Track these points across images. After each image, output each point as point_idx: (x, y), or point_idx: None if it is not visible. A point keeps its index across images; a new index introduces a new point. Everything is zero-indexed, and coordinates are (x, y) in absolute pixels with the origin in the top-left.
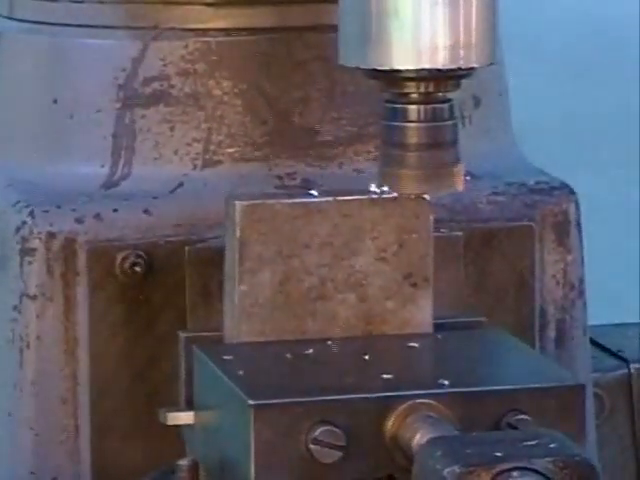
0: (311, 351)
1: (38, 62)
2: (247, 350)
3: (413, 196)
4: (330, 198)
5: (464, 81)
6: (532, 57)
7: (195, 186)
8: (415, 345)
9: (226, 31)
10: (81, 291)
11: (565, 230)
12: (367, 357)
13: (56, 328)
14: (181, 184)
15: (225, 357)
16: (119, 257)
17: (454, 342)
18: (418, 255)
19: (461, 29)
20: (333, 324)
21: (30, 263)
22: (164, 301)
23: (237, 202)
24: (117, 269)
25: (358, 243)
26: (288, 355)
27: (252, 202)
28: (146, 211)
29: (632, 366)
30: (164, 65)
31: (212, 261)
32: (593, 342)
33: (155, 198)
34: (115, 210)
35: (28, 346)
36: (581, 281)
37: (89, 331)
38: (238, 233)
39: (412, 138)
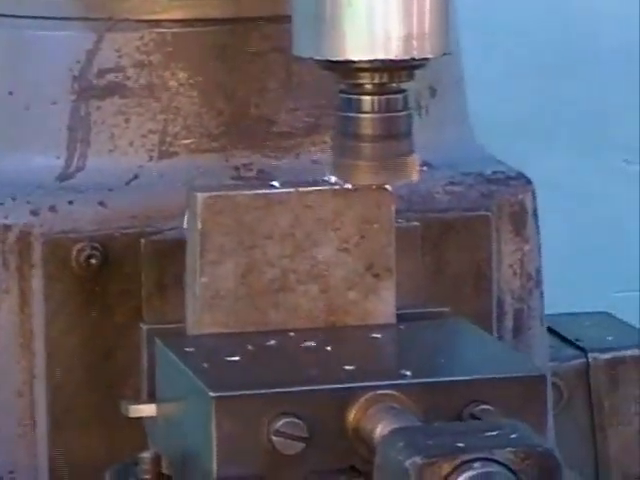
0: (273, 343)
1: None
2: (209, 342)
3: (374, 187)
4: (291, 189)
5: (420, 71)
6: (494, 46)
7: (151, 178)
8: (378, 336)
9: (181, 22)
10: (37, 284)
11: (522, 220)
12: (329, 348)
13: (11, 321)
14: (137, 176)
15: (187, 349)
16: (75, 249)
17: (417, 333)
18: (380, 245)
19: (414, 20)
20: (295, 316)
21: None
22: (120, 293)
23: (198, 194)
24: (73, 261)
25: (320, 234)
26: (250, 347)
27: (213, 194)
28: (101, 203)
29: (590, 355)
30: (119, 57)
31: (168, 253)
32: (552, 331)
33: (111, 190)
34: (70, 202)
35: None
36: (538, 271)
37: (45, 324)
38: (199, 225)
39: (366, 129)
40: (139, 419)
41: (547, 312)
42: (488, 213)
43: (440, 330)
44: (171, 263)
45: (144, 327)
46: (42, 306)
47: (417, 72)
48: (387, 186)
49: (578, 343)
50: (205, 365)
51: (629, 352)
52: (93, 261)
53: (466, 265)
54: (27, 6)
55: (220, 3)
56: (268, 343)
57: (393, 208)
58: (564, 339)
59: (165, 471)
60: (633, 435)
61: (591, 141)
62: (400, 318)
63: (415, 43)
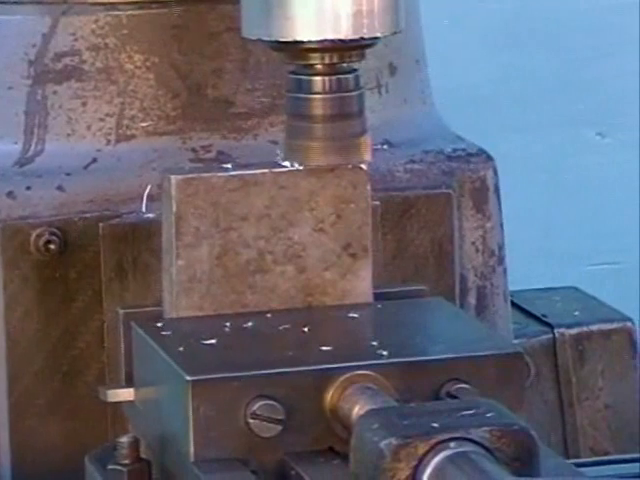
0: (250, 324)
1: None
2: (186, 325)
3: (350, 166)
4: (266, 170)
5: (380, 49)
6: (463, 18)
7: (109, 161)
8: (355, 316)
9: (137, 4)
10: None
11: (483, 197)
12: (307, 329)
13: None
14: (95, 160)
15: (163, 333)
16: (33, 235)
17: (394, 312)
18: (356, 225)
19: None
20: (272, 297)
21: None
22: (80, 278)
23: (172, 176)
24: (32, 247)
25: (295, 214)
26: (227, 329)
27: (188, 176)
28: (60, 187)
29: (557, 331)
30: (75, 40)
31: (127, 237)
32: (519, 307)
33: (69, 174)
34: (28, 188)
35: None
36: (500, 247)
37: (4, 310)
38: (174, 208)
39: (318, 110)
40: (100, 406)
41: (521, 286)
42: (449, 190)
43: (417, 309)
44: (130, 247)
45: (121, 311)
46: (0, 292)
47: (376, 50)
48: (363, 165)
49: (545, 319)
50: (181, 349)
51: (595, 327)
52: (52, 246)
53: (428, 243)
54: None
55: None
56: (245, 325)
57: (369, 187)
58: (531, 315)
59: (144, 455)
60: (600, 410)
61: (564, 114)
62: (377, 297)
63: (365, 22)
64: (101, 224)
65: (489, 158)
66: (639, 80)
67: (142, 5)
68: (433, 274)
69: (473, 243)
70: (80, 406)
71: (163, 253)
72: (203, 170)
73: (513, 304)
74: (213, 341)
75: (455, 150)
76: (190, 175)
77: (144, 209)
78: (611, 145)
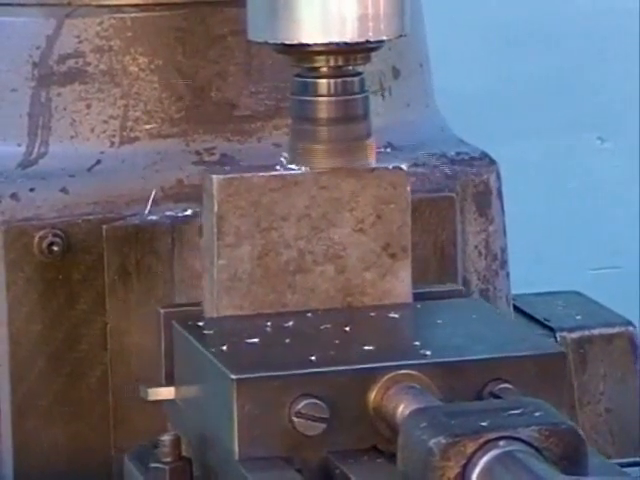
0: (291, 324)
1: None
2: (227, 324)
3: (391, 167)
4: (307, 170)
5: (383, 53)
6: (465, 24)
7: (112, 163)
8: (395, 316)
9: (141, 7)
10: None
11: (486, 200)
12: (348, 329)
13: None
14: (98, 161)
15: (206, 332)
16: (36, 236)
17: (434, 312)
18: (396, 226)
19: (369, 2)
20: (312, 297)
21: None
22: (83, 280)
23: (214, 176)
24: (35, 249)
25: (336, 215)
26: (268, 328)
27: (229, 176)
28: (63, 189)
29: (558, 335)
30: (79, 42)
31: (130, 239)
32: (521, 311)
33: (72, 176)
34: (32, 189)
35: None
36: (503, 251)
37: (8, 311)
38: (216, 208)
39: (323, 112)
40: (102, 407)
41: (522, 290)
42: (452, 194)
43: (457, 309)
44: (134, 250)
45: (161, 310)
46: (4, 294)
47: (380, 53)
48: (403, 166)
49: (547, 323)
50: (224, 347)
51: (597, 331)
52: (55, 248)
53: (431, 246)
54: None
55: None
56: (286, 324)
57: (408, 188)
58: (533, 319)
59: (185, 453)
60: (601, 414)
61: (565, 119)
62: (415, 297)
63: (370, 25)
64: (104, 226)
65: (492, 162)
66: (639, 85)
67: (146, 8)
68: (436, 277)
69: (476, 247)
70: (82, 408)
71: (204, 252)
72: (244, 170)
73: (515, 308)
74: (256, 340)
75: (458, 154)
76: (231, 175)
77: (147, 211)
78: (611, 149)
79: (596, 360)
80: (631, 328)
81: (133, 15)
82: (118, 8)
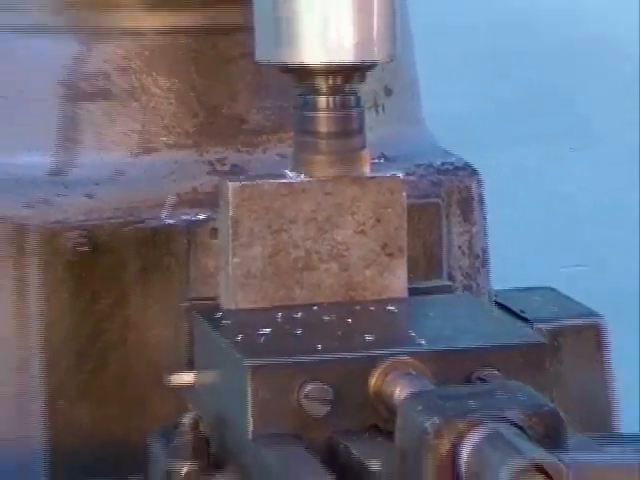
0: (299, 316)
1: None
2: (242, 316)
3: (388, 175)
4: (313, 178)
5: (377, 73)
6: (447, 46)
7: (133, 172)
8: (393, 309)
9: (159, 31)
10: (33, 271)
11: (469, 206)
12: (350, 320)
13: (9, 305)
14: (120, 171)
15: (223, 322)
16: (66, 238)
17: (427, 305)
18: (393, 227)
19: (365, 28)
20: (318, 292)
21: None
22: (107, 278)
23: (230, 183)
24: (64, 249)
25: (339, 218)
26: (279, 320)
27: (243, 183)
28: (89, 195)
29: (534, 325)
30: (104, 62)
31: (149, 240)
32: (500, 305)
33: (97, 184)
34: (61, 195)
35: None
36: (484, 251)
37: (41, 308)
38: (231, 211)
39: (322, 127)
40: (124, 394)
41: (501, 286)
42: (438, 200)
43: (447, 303)
44: (152, 250)
45: (183, 305)
46: (38, 292)
47: (374, 74)
48: (399, 174)
49: (523, 315)
50: (239, 337)
51: (569, 322)
52: (82, 249)
53: (420, 247)
54: (21, 17)
55: (194, 14)
56: (295, 316)
57: (404, 194)
58: (511, 311)
59: (204, 432)
60: (572, 401)
61: (540, 131)
62: (410, 292)
63: (365, 49)
64: (126, 229)
65: (474, 171)
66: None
67: (164, 32)
68: (424, 274)
69: (460, 247)
70: (106, 393)
71: (220, 252)
72: (256, 178)
73: (495, 302)
74: (267, 330)
75: (444, 164)
76: (245, 182)
77: (165, 216)
78: (582, 159)
79: (569, 350)
80: (600, 320)
81: (152, 39)
82: (138, 33)
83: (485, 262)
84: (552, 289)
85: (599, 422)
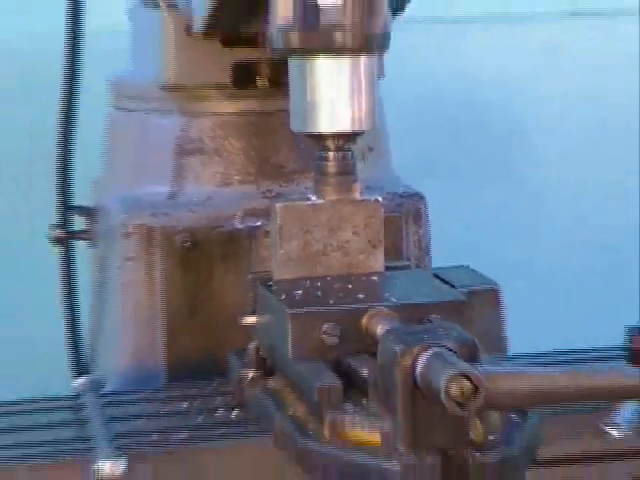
0: (319, 284)
1: (130, 134)
2: (284, 284)
3: (372, 199)
4: (326, 200)
5: (364, 136)
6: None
7: (218, 197)
8: (375, 279)
9: (232, 113)
10: (156, 258)
11: (419, 218)
12: (350, 286)
13: (142, 280)
14: (210, 196)
15: (273, 287)
16: (176, 237)
17: (396, 277)
18: (375, 230)
19: (356, 109)
20: (330, 269)
21: (129, 241)
22: (203, 264)
23: (277, 204)
24: (176, 246)
25: (342, 224)
26: (306, 286)
27: (285, 203)
28: (191, 210)
29: (458, 289)
30: (200, 132)
31: (227, 239)
32: (437, 276)
33: (196, 205)
34: (175, 210)
35: (126, 289)
36: (428, 246)
37: (162, 281)
38: (278, 220)
39: (332, 169)
40: (215, 333)
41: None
42: (400, 215)
43: (408, 275)
44: (229, 245)
45: (250, 276)
46: (160, 271)
47: (362, 137)
48: (379, 198)
49: (451, 283)
50: (283, 296)
51: (478, 287)
52: (186, 244)
53: (390, 243)
54: (149, 104)
55: (253, 102)
56: (316, 284)
57: (382, 210)
58: (444, 280)
59: (261, 353)
60: (480, 336)
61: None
62: (385, 268)
63: (356, 122)
64: (213, 232)
65: (422, 197)
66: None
67: (236, 114)
68: (393, 259)
69: (413, 243)
70: (202, 333)
71: (272, 245)
72: (292, 200)
73: (434, 274)
74: (299, 292)
75: (404, 192)
76: (286, 203)
77: (237, 224)
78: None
79: (477, 304)
80: (496, 286)
81: (228, 118)
82: (220, 114)
83: (428, 252)
84: (467, 266)
85: (496, 349)
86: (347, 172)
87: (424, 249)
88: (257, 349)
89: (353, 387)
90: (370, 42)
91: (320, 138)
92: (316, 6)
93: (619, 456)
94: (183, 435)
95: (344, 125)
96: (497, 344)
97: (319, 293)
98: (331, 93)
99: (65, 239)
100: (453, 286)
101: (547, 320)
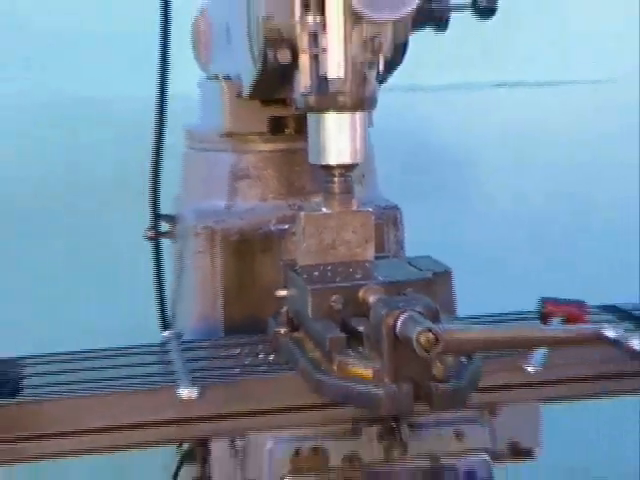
0: (329, 268)
1: (199, 165)
2: (306, 268)
3: (364, 210)
4: (333, 211)
5: (359, 166)
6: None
7: (259, 209)
8: (367, 265)
9: (270, 151)
10: (217, 251)
11: (397, 225)
12: (351, 270)
13: (207, 267)
14: (253, 209)
15: (298, 270)
16: (231, 236)
17: (381, 263)
18: (369, 230)
19: (353, 144)
20: (337, 257)
21: (198, 239)
22: (247, 254)
23: (302, 213)
24: (230, 241)
25: (345, 227)
26: (321, 269)
27: (306, 213)
28: (241, 218)
29: (426, 272)
30: (247, 164)
31: (264, 237)
32: (410, 263)
33: (245, 214)
34: (230, 217)
35: (197, 272)
36: (402, 244)
37: (221, 269)
38: (302, 224)
39: (335, 190)
40: (257, 304)
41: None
42: (383, 222)
43: (390, 262)
44: (265, 242)
45: (281, 262)
46: (219, 262)
47: (356, 167)
48: (370, 209)
49: (419, 267)
50: (305, 275)
51: (438, 269)
52: (237, 239)
53: (379, 243)
54: (219, 145)
55: (284, 143)
56: (328, 268)
57: (372, 218)
58: (414, 266)
59: (291, 315)
60: (438, 302)
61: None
62: (375, 258)
63: (353, 155)
64: (255, 232)
65: (398, 208)
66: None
67: (272, 151)
68: (378, 251)
69: (394, 242)
70: (249, 304)
71: (297, 242)
72: (311, 210)
73: (407, 262)
74: (317, 273)
75: (386, 206)
76: (307, 212)
77: (272, 227)
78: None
79: (438, 282)
80: (449, 270)
81: (269, 153)
82: (260, 152)
83: (402, 247)
84: (429, 256)
85: (449, 312)
86: (347, 191)
87: (400, 245)
88: (287, 312)
89: (353, 339)
90: (363, 103)
91: (328, 167)
92: (326, 79)
93: (532, 385)
94: (236, 370)
95: (345, 158)
96: (450, 309)
97: (329, 274)
98: (336, 137)
99: (155, 238)
100: (421, 269)
101: (486, 291)
